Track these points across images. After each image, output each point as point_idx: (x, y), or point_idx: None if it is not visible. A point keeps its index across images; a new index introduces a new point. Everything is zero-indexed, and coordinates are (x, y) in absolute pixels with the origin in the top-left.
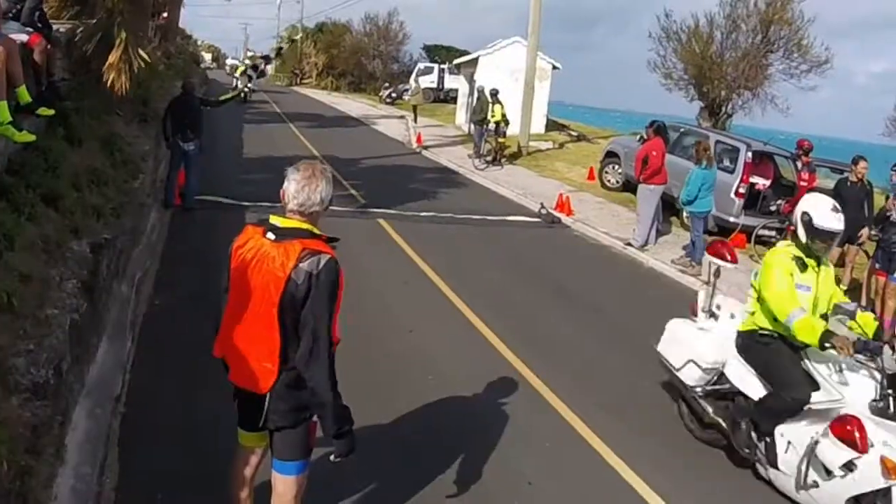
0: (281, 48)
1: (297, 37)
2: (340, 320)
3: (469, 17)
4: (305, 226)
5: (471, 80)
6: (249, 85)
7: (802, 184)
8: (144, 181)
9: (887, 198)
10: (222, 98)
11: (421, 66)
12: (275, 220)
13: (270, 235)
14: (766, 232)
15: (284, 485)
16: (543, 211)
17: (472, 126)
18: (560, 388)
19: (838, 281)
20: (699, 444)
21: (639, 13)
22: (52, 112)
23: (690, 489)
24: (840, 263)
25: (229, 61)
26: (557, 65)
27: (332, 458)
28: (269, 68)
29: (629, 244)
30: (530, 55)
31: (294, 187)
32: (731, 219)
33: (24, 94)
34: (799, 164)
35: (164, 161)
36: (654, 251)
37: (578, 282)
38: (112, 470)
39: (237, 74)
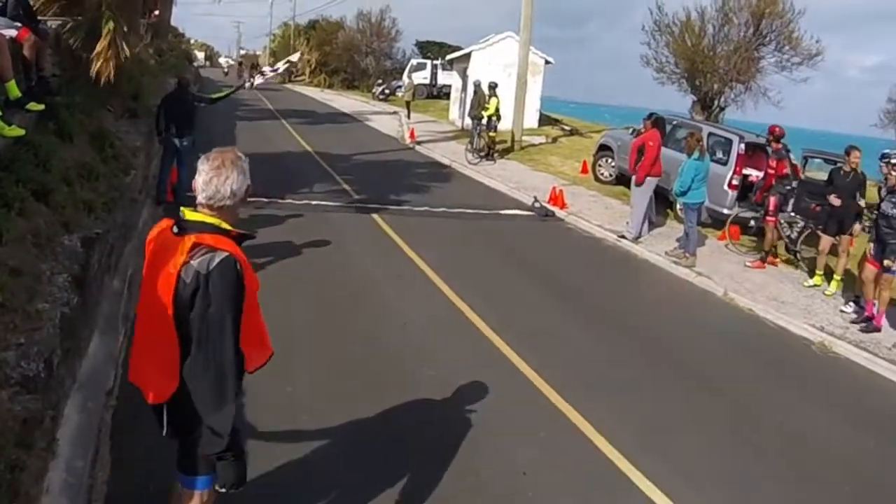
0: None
1: (294, 47)
2: (330, 314)
3: (461, 12)
4: (212, 220)
5: (464, 76)
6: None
7: (770, 171)
8: (136, 177)
9: (879, 189)
10: (216, 95)
11: (414, 62)
12: (184, 211)
13: (175, 228)
14: (745, 216)
15: (182, 496)
16: (537, 204)
17: (471, 121)
18: (553, 379)
19: (831, 271)
20: (693, 430)
21: (631, 8)
22: (41, 107)
23: (684, 476)
24: (834, 252)
25: (222, 60)
26: (550, 59)
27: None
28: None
29: (623, 237)
30: (522, 50)
31: (202, 179)
32: (725, 210)
33: (14, 89)
34: (769, 151)
35: (156, 157)
36: (647, 243)
37: (571, 274)
38: (104, 463)
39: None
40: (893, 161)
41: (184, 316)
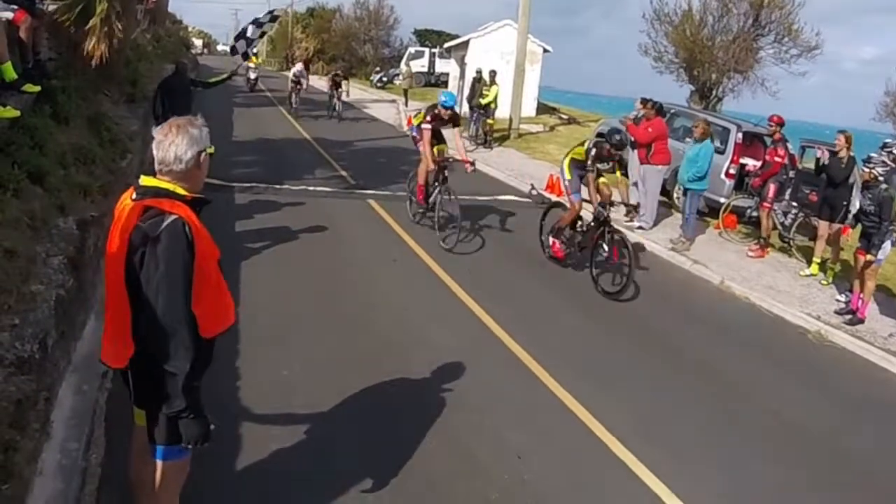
0: (275, 14)
1: (275, 22)
2: (326, 299)
3: (459, 0)
4: (166, 185)
5: (461, 64)
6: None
7: (778, 159)
8: (132, 161)
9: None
10: (213, 80)
11: (412, 50)
12: (142, 178)
13: (134, 195)
14: (741, 204)
15: (154, 468)
16: (534, 192)
17: (469, 108)
18: (550, 364)
19: (824, 261)
20: (689, 416)
21: None
22: (37, 89)
23: (680, 461)
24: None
25: (220, 47)
26: (548, 48)
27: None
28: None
29: (641, 227)
30: (521, 38)
31: (153, 145)
32: (721, 199)
33: (10, 71)
34: (768, 141)
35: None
36: (643, 231)
37: (566, 260)
38: (98, 445)
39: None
40: (873, 156)
41: (135, 278)
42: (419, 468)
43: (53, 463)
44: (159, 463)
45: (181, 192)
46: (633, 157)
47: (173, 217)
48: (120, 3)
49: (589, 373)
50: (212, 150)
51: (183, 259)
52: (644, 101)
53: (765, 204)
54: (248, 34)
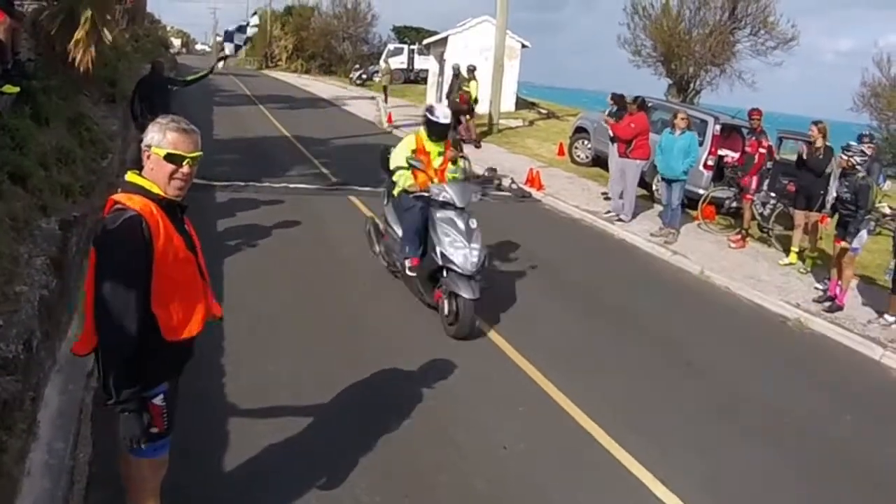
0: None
1: (256, 17)
2: (310, 290)
3: None
4: (143, 182)
5: (440, 60)
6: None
7: (762, 151)
8: (113, 161)
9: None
10: (189, 78)
11: (391, 47)
12: (127, 174)
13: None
14: (719, 196)
15: (126, 463)
16: (514, 186)
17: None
18: (533, 355)
19: (803, 250)
20: (671, 406)
21: None
22: (16, 90)
23: (663, 449)
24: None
25: (199, 47)
26: (527, 43)
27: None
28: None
29: (620, 219)
30: (499, 34)
31: None
32: (701, 191)
33: None
34: (745, 133)
35: (133, 141)
36: (623, 223)
37: (549, 253)
38: (85, 444)
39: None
40: (853, 144)
41: None
42: (405, 458)
43: (41, 463)
44: (129, 458)
45: (156, 190)
46: (612, 150)
47: (131, 213)
48: (103, 8)
49: (572, 363)
50: (193, 154)
51: (130, 255)
52: (615, 97)
53: (747, 196)
54: (236, 40)
